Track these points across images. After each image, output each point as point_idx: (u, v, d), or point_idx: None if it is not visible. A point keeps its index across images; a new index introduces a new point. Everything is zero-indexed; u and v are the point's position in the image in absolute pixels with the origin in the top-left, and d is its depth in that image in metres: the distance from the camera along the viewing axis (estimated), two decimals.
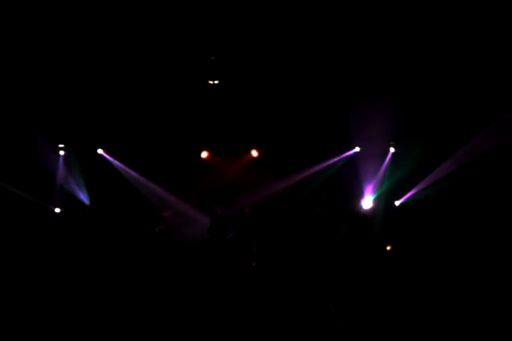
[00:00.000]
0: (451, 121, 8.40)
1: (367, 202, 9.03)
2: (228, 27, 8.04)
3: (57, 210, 9.35)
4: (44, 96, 8.90)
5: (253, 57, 8.62)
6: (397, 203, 8.92)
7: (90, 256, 7.89)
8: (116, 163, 9.82)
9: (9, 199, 8.99)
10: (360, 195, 9.12)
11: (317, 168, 9.54)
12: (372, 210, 8.80)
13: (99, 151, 9.86)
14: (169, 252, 7.63)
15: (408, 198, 8.77)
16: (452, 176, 8.28)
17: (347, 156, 9.56)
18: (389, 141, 9.26)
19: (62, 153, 9.73)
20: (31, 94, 8.80)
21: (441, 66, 8.00)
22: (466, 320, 5.53)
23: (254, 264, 7.66)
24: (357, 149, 9.56)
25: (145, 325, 4.92)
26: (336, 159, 9.57)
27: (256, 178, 9.72)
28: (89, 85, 8.89)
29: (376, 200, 9.01)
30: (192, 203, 9.34)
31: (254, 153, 9.95)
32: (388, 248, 7.56)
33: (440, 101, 8.43)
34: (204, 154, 9.98)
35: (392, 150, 9.24)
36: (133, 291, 5.89)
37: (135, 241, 8.33)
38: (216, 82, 9.11)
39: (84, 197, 9.59)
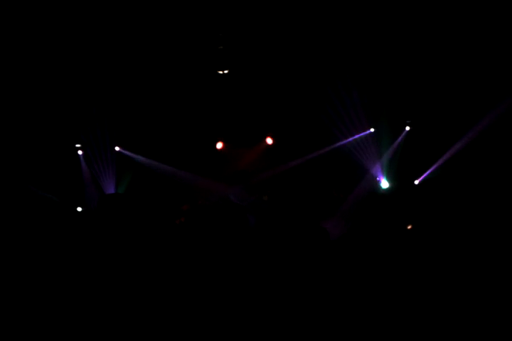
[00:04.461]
0: (466, 98, 8.23)
1: (384, 182, 8.93)
2: (233, 14, 7.98)
3: (79, 209, 9.49)
4: (57, 97, 8.99)
5: (260, 45, 8.55)
6: (416, 182, 8.79)
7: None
8: (137, 157, 9.87)
9: (34, 200, 9.14)
10: (376, 175, 9.01)
11: (330, 148, 9.44)
12: (390, 190, 8.69)
13: (117, 149, 9.96)
14: (188, 245, 7.66)
15: (427, 176, 8.63)
16: (468, 152, 8.11)
17: (361, 137, 9.43)
18: (405, 120, 9.15)
19: (80, 152, 9.87)
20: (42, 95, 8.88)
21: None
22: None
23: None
24: (371, 130, 9.44)
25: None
26: (349, 139, 9.45)
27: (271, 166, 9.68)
28: (100, 82, 8.95)
29: (394, 180, 8.89)
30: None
31: (269, 141, 9.90)
32: (409, 227, 7.43)
33: (456, 77, 8.25)
34: (219, 145, 9.99)
35: (407, 128, 9.12)
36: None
37: (155, 234, 8.40)
38: (226, 71, 9.07)
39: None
